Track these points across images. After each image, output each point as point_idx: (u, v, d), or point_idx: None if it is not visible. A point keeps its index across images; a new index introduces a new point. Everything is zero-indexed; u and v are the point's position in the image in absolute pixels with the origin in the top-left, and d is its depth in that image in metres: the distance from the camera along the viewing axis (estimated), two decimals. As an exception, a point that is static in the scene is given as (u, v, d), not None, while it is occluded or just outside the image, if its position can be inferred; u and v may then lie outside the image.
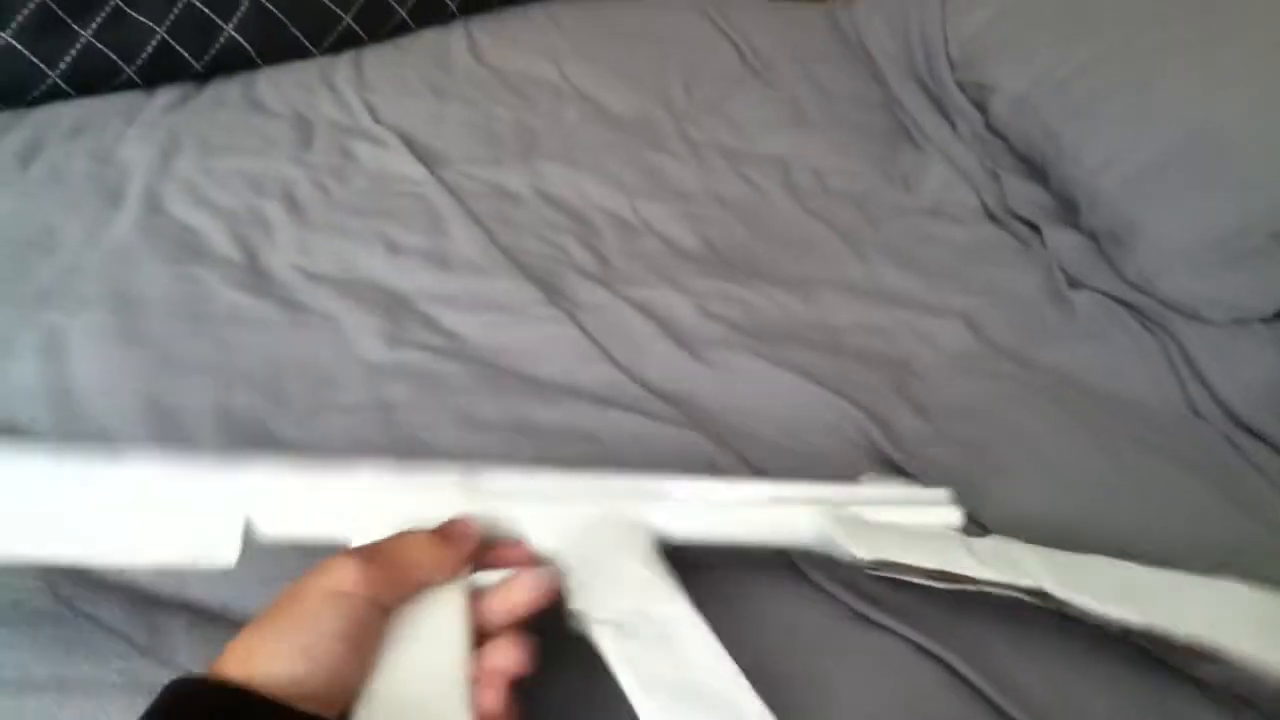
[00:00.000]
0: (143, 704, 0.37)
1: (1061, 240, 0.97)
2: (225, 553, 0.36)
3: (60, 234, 0.83)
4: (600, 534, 0.45)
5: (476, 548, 0.45)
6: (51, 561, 0.31)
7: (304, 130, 1.06)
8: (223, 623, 0.53)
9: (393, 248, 0.87)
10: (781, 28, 1.45)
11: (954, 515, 0.54)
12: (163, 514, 0.37)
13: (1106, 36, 1.04)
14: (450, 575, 0.43)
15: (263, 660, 0.36)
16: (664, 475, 0.48)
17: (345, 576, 0.39)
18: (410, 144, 1.05)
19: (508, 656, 0.42)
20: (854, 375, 0.78)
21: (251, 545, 0.39)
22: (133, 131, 1.01)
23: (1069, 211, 1.01)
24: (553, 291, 0.84)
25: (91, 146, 0.97)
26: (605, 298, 0.84)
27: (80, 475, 0.39)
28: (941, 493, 0.55)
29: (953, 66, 1.22)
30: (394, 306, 0.80)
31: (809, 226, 0.99)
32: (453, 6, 1.34)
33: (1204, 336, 0.84)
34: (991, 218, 1.04)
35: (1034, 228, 1.01)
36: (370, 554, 0.40)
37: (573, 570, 0.44)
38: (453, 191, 0.98)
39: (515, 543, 0.47)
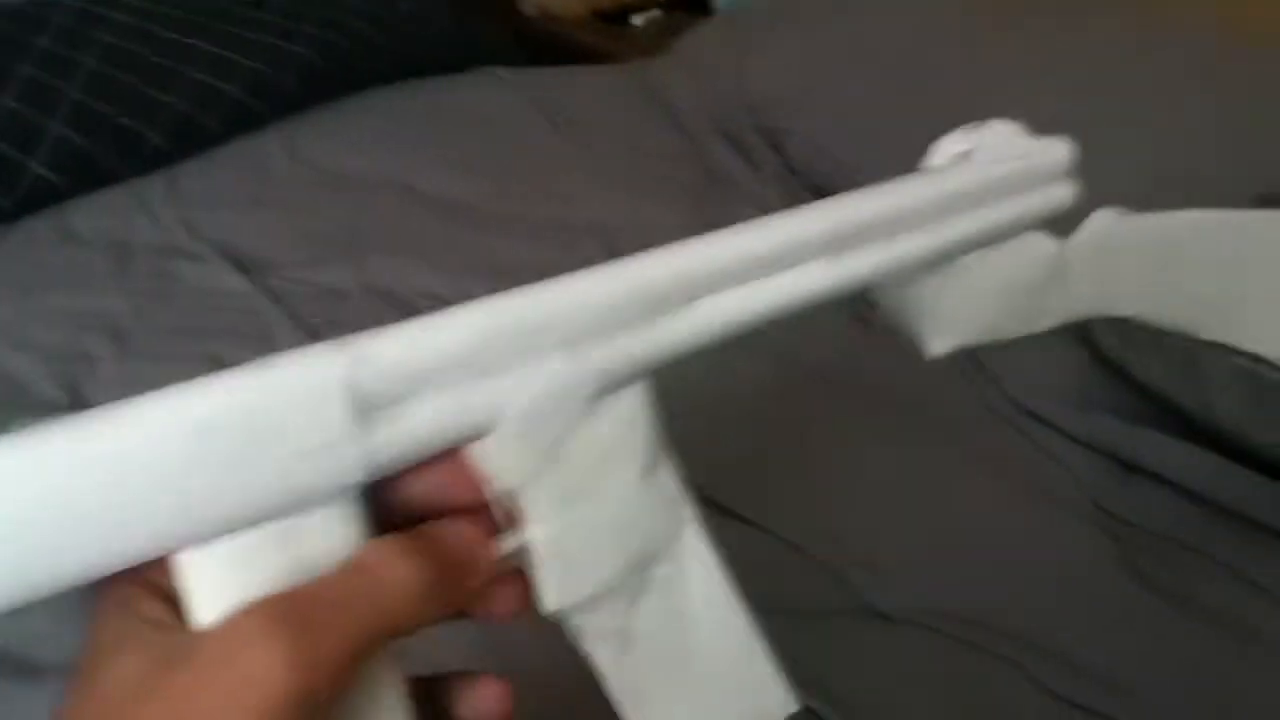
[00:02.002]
0: None
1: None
2: None
3: None
4: (586, 437, 0.27)
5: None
6: None
7: (121, 257, 1.06)
8: None
9: (220, 367, 0.88)
10: (591, 93, 1.51)
11: (1064, 192, 0.40)
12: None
13: (883, 76, 1.13)
14: (434, 621, 0.26)
15: None
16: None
17: (274, 669, 0.22)
18: (231, 256, 1.06)
19: (484, 705, 0.27)
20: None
21: None
22: (-57, 283, 1.00)
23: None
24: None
25: (-101, 305, 0.96)
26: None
27: None
28: (1061, 151, 0.41)
29: (750, 113, 1.30)
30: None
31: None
32: (265, 110, 1.36)
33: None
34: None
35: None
36: (308, 615, 0.23)
37: (538, 513, 0.27)
38: (278, 298, 0.99)
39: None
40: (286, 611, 0.22)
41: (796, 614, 0.64)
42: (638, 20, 1.93)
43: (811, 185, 1.19)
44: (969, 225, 0.36)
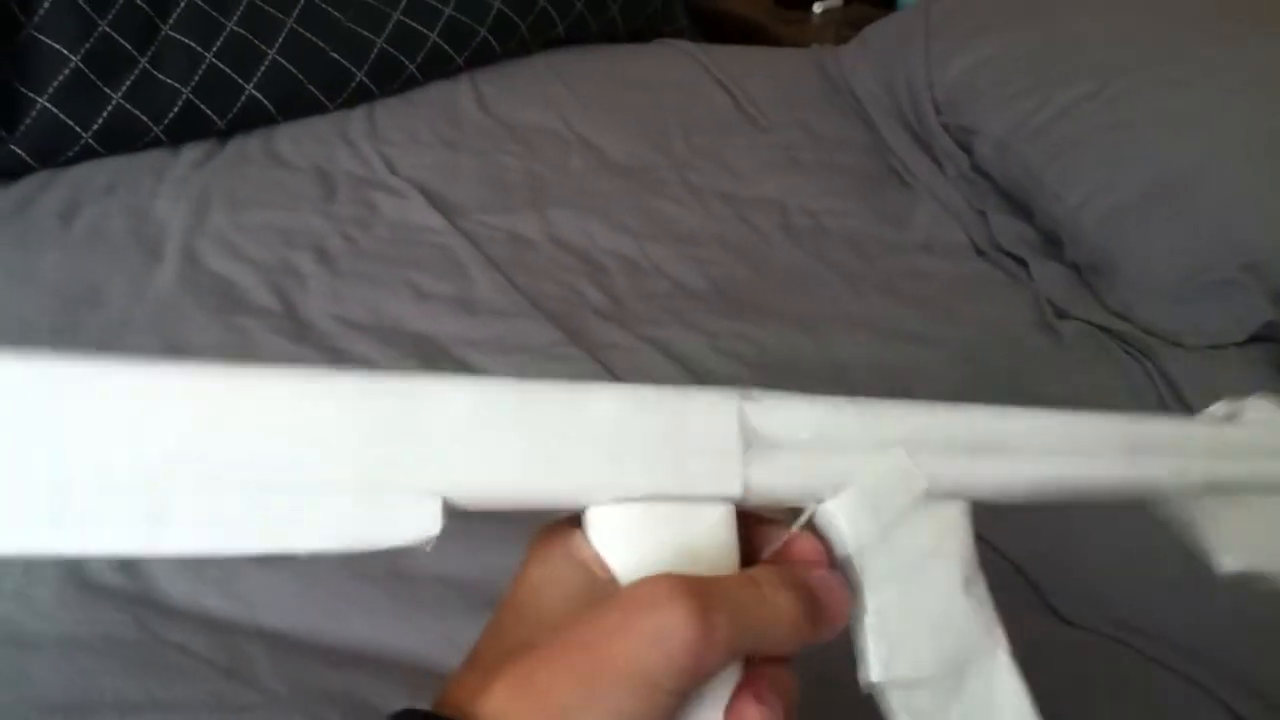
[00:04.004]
0: None
1: (1047, 273, 1.03)
2: (420, 527, 0.26)
3: (107, 288, 0.88)
4: (916, 527, 0.32)
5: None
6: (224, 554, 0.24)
7: (326, 183, 1.11)
8: (296, 647, 0.58)
9: (420, 294, 0.93)
10: (772, 75, 1.52)
11: None
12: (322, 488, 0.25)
13: (1082, 83, 1.11)
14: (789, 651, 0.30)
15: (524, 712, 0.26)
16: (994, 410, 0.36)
17: (677, 631, 0.26)
18: (427, 194, 1.10)
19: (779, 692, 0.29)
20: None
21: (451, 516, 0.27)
22: (164, 188, 1.06)
23: (1053, 246, 1.07)
24: (572, 332, 0.89)
25: (127, 203, 1.02)
26: (623, 337, 0.89)
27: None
28: None
29: (937, 110, 1.29)
30: (427, 350, 0.85)
31: (809, 265, 1.05)
32: (459, 60, 1.40)
33: (1183, 362, 0.90)
34: (979, 253, 1.10)
35: (1020, 261, 1.07)
36: (711, 600, 0.27)
37: (871, 584, 0.32)
38: (471, 239, 1.03)
39: (784, 528, 0.32)
40: (700, 592, 0.27)
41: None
42: (818, 8, 1.92)
43: (997, 189, 1.17)
44: (1243, 467, 0.41)
